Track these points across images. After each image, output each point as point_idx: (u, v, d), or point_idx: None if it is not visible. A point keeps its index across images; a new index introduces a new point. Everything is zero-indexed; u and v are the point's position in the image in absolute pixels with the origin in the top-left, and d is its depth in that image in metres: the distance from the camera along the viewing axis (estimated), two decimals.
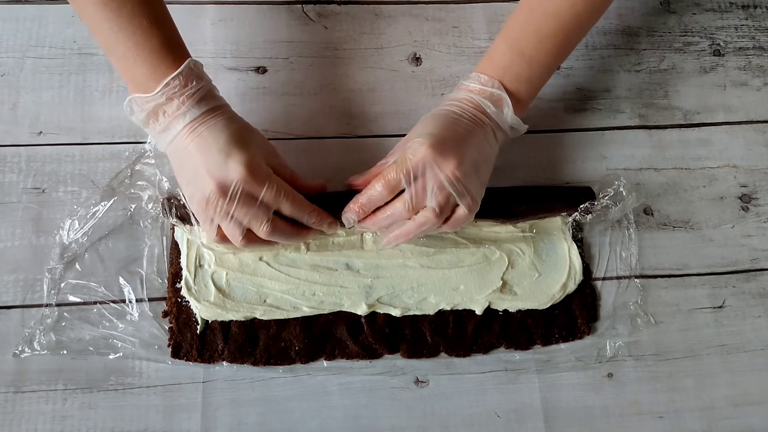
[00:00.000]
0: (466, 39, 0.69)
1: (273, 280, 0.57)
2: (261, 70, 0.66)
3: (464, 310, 0.58)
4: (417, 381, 0.57)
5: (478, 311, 0.58)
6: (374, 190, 0.52)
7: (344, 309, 0.57)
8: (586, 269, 0.60)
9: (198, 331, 0.56)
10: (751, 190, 0.65)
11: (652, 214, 0.63)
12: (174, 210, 0.55)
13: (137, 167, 0.60)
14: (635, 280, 0.61)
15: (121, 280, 0.57)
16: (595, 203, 0.59)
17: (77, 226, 0.58)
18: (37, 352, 0.55)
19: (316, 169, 0.62)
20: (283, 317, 0.56)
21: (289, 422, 0.55)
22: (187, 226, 0.56)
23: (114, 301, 0.57)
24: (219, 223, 0.50)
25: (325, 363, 0.57)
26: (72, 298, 0.56)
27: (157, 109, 0.50)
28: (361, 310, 0.57)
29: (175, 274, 0.57)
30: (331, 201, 0.55)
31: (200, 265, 0.57)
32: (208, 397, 0.55)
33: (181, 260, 0.57)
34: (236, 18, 0.67)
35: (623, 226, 0.62)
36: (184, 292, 0.56)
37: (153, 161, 0.60)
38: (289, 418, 0.55)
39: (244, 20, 0.67)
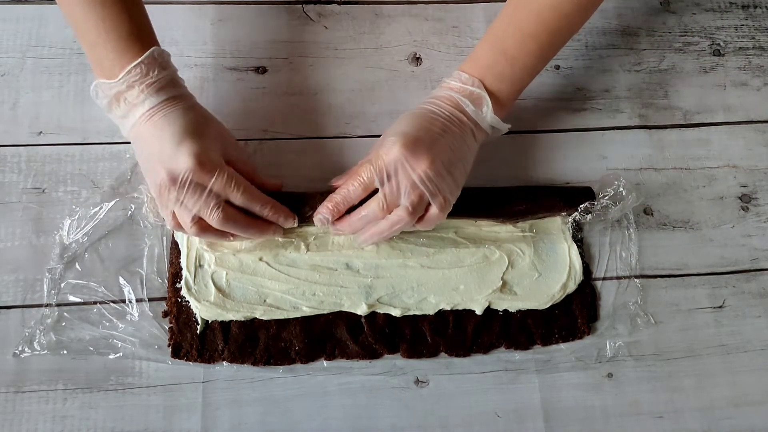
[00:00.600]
0: (466, 39, 0.69)
1: (273, 280, 0.57)
2: (261, 70, 0.66)
3: (464, 310, 0.58)
4: (417, 381, 0.57)
5: (478, 311, 0.58)
6: (348, 189, 0.52)
7: (344, 309, 0.57)
8: (586, 269, 0.60)
9: (198, 331, 0.56)
10: (751, 190, 0.65)
11: (652, 214, 0.63)
12: None
13: (138, 168, 0.60)
14: (635, 280, 0.61)
15: (121, 280, 0.57)
16: (595, 203, 0.59)
17: (77, 226, 0.58)
18: (37, 352, 0.55)
19: (316, 169, 0.62)
20: (283, 317, 0.56)
21: (289, 422, 0.55)
22: None
23: (114, 301, 0.57)
24: (172, 209, 0.51)
25: (325, 363, 0.57)
26: (72, 298, 0.56)
27: (119, 95, 0.51)
28: (361, 310, 0.57)
29: (175, 274, 0.57)
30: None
31: (200, 265, 0.57)
32: (208, 397, 0.55)
33: (181, 260, 0.57)
34: (236, 18, 0.67)
35: (623, 226, 0.62)
36: (184, 292, 0.56)
37: None
38: (289, 418, 0.55)
39: (244, 20, 0.67)
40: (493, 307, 0.58)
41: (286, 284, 0.57)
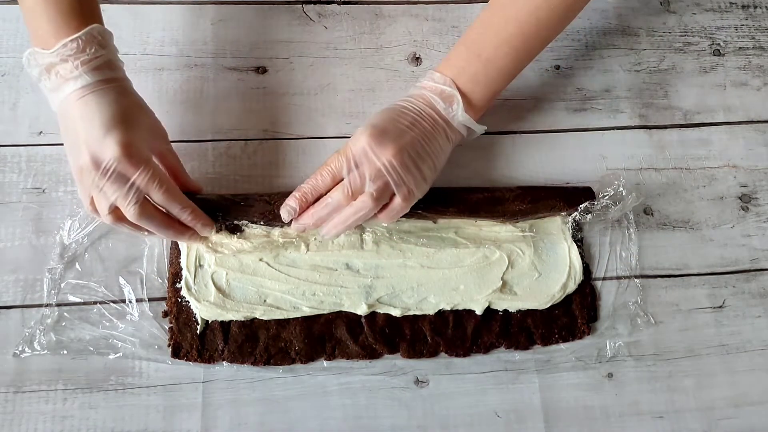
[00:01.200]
0: None
1: (273, 280, 0.57)
2: (261, 70, 0.66)
3: (464, 310, 0.58)
4: (417, 381, 0.57)
5: (478, 311, 0.58)
6: (316, 179, 0.53)
7: (344, 309, 0.57)
8: (586, 269, 0.60)
9: (198, 331, 0.56)
10: (751, 190, 0.65)
11: (652, 214, 0.63)
12: None
13: None
14: (635, 280, 0.61)
15: (121, 280, 0.57)
16: (595, 203, 0.59)
17: (78, 226, 0.58)
18: (37, 352, 0.55)
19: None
20: (283, 317, 0.56)
21: (289, 422, 0.55)
22: None
23: (114, 301, 0.57)
24: (90, 194, 0.50)
25: (325, 363, 0.57)
26: (72, 298, 0.56)
27: (51, 67, 0.49)
28: (361, 310, 0.57)
29: (175, 274, 0.57)
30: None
31: (200, 265, 0.57)
32: (208, 397, 0.55)
33: (181, 260, 0.57)
34: (236, 18, 0.67)
35: (623, 226, 0.62)
36: (184, 292, 0.56)
37: None
38: (289, 418, 0.55)
39: (244, 20, 0.67)
40: (493, 307, 0.58)
41: (286, 284, 0.57)
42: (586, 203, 0.59)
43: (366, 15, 0.69)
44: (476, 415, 0.56)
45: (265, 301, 0.57)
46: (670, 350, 0.59)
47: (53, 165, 0.60)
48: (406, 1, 0.70)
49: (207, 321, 0.56)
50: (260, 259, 0.57)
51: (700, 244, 0.63)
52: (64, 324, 0.56)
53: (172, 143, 0.56)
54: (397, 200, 0.53)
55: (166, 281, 0.57)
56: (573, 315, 0.59)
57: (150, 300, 0.57)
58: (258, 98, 0.65)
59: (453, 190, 0.61)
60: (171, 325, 0.56)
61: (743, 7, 0.72)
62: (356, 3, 0.69)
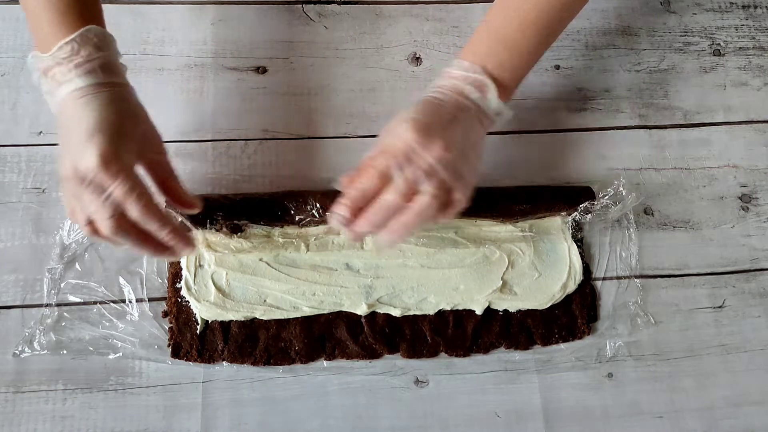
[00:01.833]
0: (466, 39, 0.68)
1: (273, 280, 0.57)
2: (261, 70, 0.66)
3: (464, 310, 0.58)
4: (417, 381, 0.57)
5: (478, 311, 0.58)
6: (363, 182, 0.48)
7: (344, 309, 0.57)
8: (586, 269, 0.60)
9: (198, 331, 0.56)
10: (751, 190, 0.65)
11: (652, 214, 0.63)
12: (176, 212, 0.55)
13: None
14: (635, 280, 0.61)
15: (121, 280, 0.57)
16: (595, 203, 0.59)
17: (77, 226, 0.58)
18: (37, 352, 0.55)
19: (316, 169, 0.62)
20: (283, 317, 0.56)
21: (289, 422, 0.55)
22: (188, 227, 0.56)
23: (114, 301, 0.57)
24: (71, 203, 0.48)
25: (325, 363, 0.57)
26: (72, 298, 0.56)
27: (47, 70, 0.48)
28: (361, 310, 0.57)
29: (175, 274, 0.57)
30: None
31: (200, 265, 0.57)
32: (208, 397, 0.55)
33: (181, 260, 0.57)
34: (236, 18, 0.67)
35: (623, 225, 0.62)
36: (184, 292, 0.56)
37: None
38: (289, 418, 0.55)
39: (244, 20, 0.67)
40: (493, 307, 0.58)
41: (286, 284, 0.57)
42: (586, 203, 0.59)
43: (366, 15, 0.69)
44: (476, 415, 0.56)
45: (265, 301, 0.57)
46: (670, 350, 0.59)
47: (53, 165, 0.60)
48: (406, 1, 0.70)
49: (207, 321, 0.56)
50: (260, 259, 0.57)
51: (700, 244, 0.63)
52: (64, 324, 0.56)
53: (172, 143, 0.56)
54: (457, 196, 0.49)
55: (166, 281, 0.57)
56: (573, 315, 0.59)
57: (150, 300, 0.57)
58: (258, 98, 0.65)
59: None
60: (171, 325, 0.56)
61: (743, 7, 0.72)
62: (356, 3, 0.69)
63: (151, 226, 0.48)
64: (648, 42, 0.70)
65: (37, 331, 0.55)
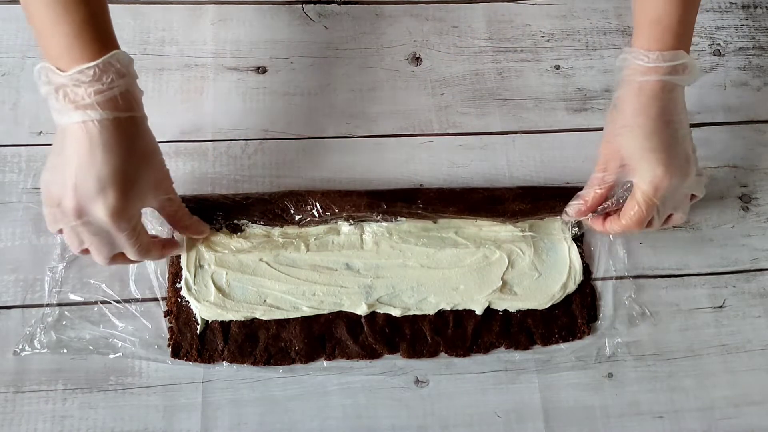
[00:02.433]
0: (466, 39, 0.69)
1: (273, 280, 0.57)
2: (261, 70, 0.66)
3: (464, 310, 0.58)
4: (417, 381, 0.57)
5: (478, 311, 0.58)
6: (627, 230, 0.54)
7: (344, 309, 0.57)
8: (586, 269, 0.60)
9: (198, 331, 0.56)
10: (751, 190, 0.65)
11: None
12: None
13: None
14: (635, 280, 0.61)
15: (122, 280, 0.57)
16: None
17: None
18: (38, 351, 0.55)
19: (316, 169, 0.62)
20: (283, 317, 0.56)
21: (289, 422, 0.55)
22: None
23: (115, 301, 0.57)
24: (60, 226, 0.48)
25: (325, 363, 0.56)
26: (73, 297, 0.56)
27: (60, 88, 0.45)
28: (361, 310, 0.57)
29: (175, 274, 0.57)
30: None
31: (200, 265, 0.57)
32: (208, 397, 0.55)
33: (181, 260, 0.57)
34: (236, 18, 0.67)
35: None
36: (184, 292, 0.56)
37: None
38: (289, 418, 0.55)
39: (244, 20, 0.67)
40: (493, 307, 0.58)
41: (286, 284, 0.57)
42: None
43: (366, 15, 0.69)
44: (476, 415, 0.56)
45: (265, 301, 0.57)
46: (670, 350, 0.59)
47: None
48: (406, 1, 0.70)
49: (207, 321, 0.56)
50: (260, 259, 0.57)
51: (700, 244, 0.63)
52: (64, 323, 0.56)
53: (172, 143, 0.56)
54: (679, 216, 0.55)
55: (166, 281, 0.57)
56: (573, 315, 0.59)
57: (150, 300, 0.57)
58: (258, 98, 0.65)
59: (453, 190, 0.61)
60: (171, 325, 0.56)
61: (743, 7, 0.72)
62: (356, 3, 0.69)
63: (147, 260, 0.53)
64: None
65: (38, 329, 0.55)
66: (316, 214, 0.58)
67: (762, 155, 0.66)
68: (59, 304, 0.56)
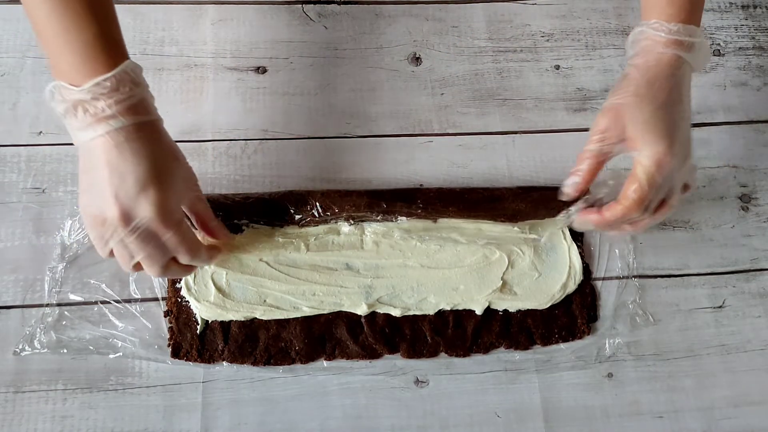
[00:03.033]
0: (466, 39, 0.69)
1: (273, 280, 0.57)
2: (261, 70, 0.66)
3: (464, 310, 0.58)
4: (417, 381, 0.57)
5: (478, 311, 0.58)
6: (627, 213, 0.51)
7: (344, 309, 0.57)
8: (586, 269, 0.60)
9: (198, 331, 0.56)
10: (751, 190, 0.65)
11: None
12: None
13: None
14: (635, 279, 0.61)
15: (122, 280, 0.57)
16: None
17: (78, 225, 0.58)
18: (38, 351, 0.55)
19: (316, 169, 0.62)
20: (283, 317, 0.56)
21: (289, 422, 0.55)
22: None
23: (115, 301, 0.57)
24: (109, 244, 0.47)
25: (325, 363, 0.57)
26: (73, 297, 0.56)
27: (79, 104, 0.44)
28: (361, 310, 0.57)
29: None
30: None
31: None
32: (208, 397, 0.55)
33: None
34: (236, 18, 0.67)
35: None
36: (184, 292, 0.56)
37: None
38: (289, 418, 0.55)
39: (244, 20, 0.67)
40: (493, 307, 0.58)
41: (286, 284, 0.57)
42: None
43: (366, 15, 0.69)
44: (476, 415, 0.56)
45: (265, 301, 0.57)
46: (670, 350, 0.59)
47: (53, 165, 0.60)
48: (406, 1, 0.70)
49: (207, 321, 0.56)
50: (260, 259, 0.57)
51: (700, 244, 0.63)
52: (64, 323, 0.56)
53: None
54: (670, 205, 0.53)
55: (166, 281, 0.57)
56: (573, 315, 0.59)
57: (150, 300, 0.57)
58: (258, 98, 0.65)
59: (453, 190, 0.61)
60: (171, 325, 0.56)
61: (743, 7, 0.72)
62: (356, 3, 0.69)
63: (197, 264, 0.52)
64: None
65: (38, 329, 0.55)
66: (316, 214, 0.58)
67: (762, 155, 0.66)
68: (59, 304, 0.56)
